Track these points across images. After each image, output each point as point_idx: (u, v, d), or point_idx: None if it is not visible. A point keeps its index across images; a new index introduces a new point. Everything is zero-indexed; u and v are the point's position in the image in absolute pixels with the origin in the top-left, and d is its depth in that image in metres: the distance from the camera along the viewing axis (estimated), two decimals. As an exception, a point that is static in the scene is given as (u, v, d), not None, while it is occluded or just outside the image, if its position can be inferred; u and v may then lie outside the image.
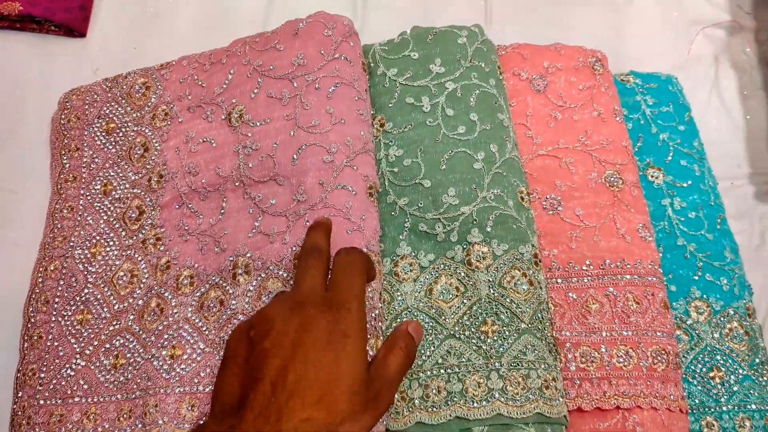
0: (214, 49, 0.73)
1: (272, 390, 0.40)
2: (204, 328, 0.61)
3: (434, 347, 0.58)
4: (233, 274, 0.61)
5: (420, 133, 0.66)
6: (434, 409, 0.55)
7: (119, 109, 0.74)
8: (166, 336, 0.62)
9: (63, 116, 0.76)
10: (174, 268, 0.65)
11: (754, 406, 0.63)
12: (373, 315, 0.57)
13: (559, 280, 0.64)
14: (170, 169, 0.69)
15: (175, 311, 0.63)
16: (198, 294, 0.63)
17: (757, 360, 0.65)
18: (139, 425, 0.58)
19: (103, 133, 0.74)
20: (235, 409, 0.40)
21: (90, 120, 0.75)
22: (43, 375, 0.64)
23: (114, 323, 0.64)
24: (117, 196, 0.71)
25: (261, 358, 0.42)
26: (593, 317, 0.62)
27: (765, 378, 0.65)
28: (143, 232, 0.68)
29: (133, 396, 0.60)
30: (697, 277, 0.68)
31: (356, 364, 0.43)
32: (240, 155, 0.65)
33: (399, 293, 0.61)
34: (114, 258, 0.68)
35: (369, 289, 0.57)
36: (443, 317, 0.59)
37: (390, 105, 0.68)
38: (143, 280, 0.66)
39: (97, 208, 0.71)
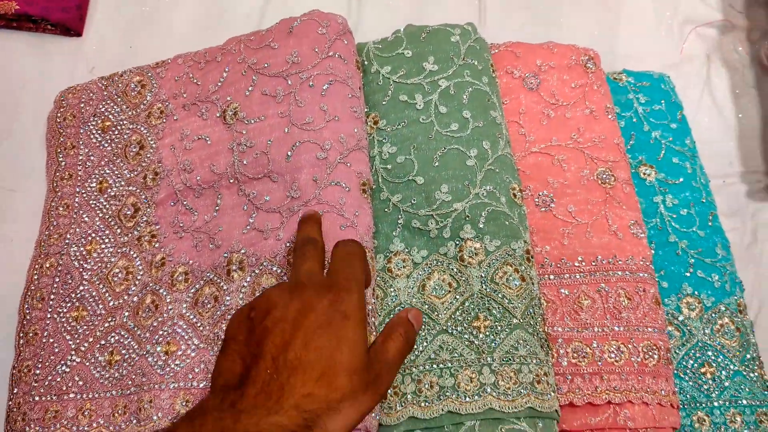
0: (209, 47, 0.74)
1: (274, 366, 0.40)
2: (198, 324, 0.61)
3: (427, 342, 0.58)
4: (227, 270, 0.62)
5: (413, 130, 0.66)
6: (426, 403, 0.56)
7: (115, 107, 0.75)
8: (160, 332, 0.62)
9: (59, 114, 0.77)
10: (169, 264, 0.65)
11: (745, 402, 0.64)
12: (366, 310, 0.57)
13: (552, 276, 0.65)
14: (165, 167, 0.69)
15: (169, 307, 0.63)
16: (193, 290, 0.63)
17: (748, 356, 0.66)
18: (134, 421, 0.59)
19: (99, 131, 0.74)
20: (236, 385, 0.41)
21: (86, 118, 0.75)
22: (38, 371, 0.64)
23: (109, 320, 0.65)
24: (112, 194, 0.71)
25: (262, 336, 0.42)
26: (585, 313, 0.63)
27: (756, 373, 0.65)
28: (138, 229, 0.68)
29: (128, 392, 0.61)
30: (688, 274, 0.69)
31: (356, 345, 0.43)
32: (234, 152, 0.66)
33: (392, 289, 0.61)
34: (109, 255, 0.68)
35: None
36: (436, 313, 0.59)
37: (384, 102, 0.69)
38: (138, 277, 0.66)
39: (92, 206, 0.71)
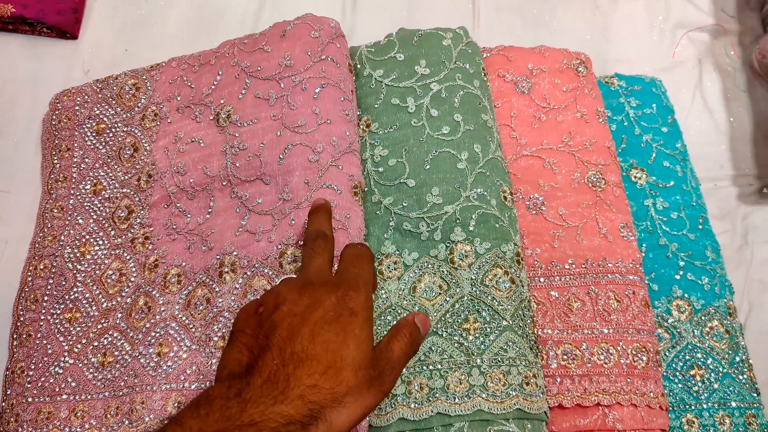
0: (204, 50, 0.74)
1: (280, 357, 0.41)
2: (191, 326, 0.62)
3: (417, 344, 0.59)
4: (220, 272, 0.62)
5: (405, 133, 0.67)
6: (416, 405, 0.56)
7: (109, 109, 0.75)
8: (153, 334, 0.62)
9: (54, 117, 0.77)
10: (162, 266, 0.66)
11: (733, 404, 0.64)
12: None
13: (542, 279, 0.65)
14: (159, 169, 0.70)
15: (162, 309, 0.63)
16: (185, 292, 0.64)
17: (738, 358, 0.67)
18: (126, 422, 0.59)
19: (94, 134, 0.75)
20: (242, 375, 0.41)
21: (80, 120, 0.76)
22: (31, 373, 0.64)
23: (102, 321, 0.65)
24: (106, 196, 0.71)
25: (270, 329, 0.43)
26: (575, 315, 0.63)
27: (745, 376, 0.66)
28: (132, 231, 0.69)
29: (120, 393, 0.61)
30: (678, 276, 0.69)
31: (362, 341, 0.44)
32: (227, 155, 0.66)
33: (383, 291, 0.62)
34: (103, 257, 0.68)
35: None
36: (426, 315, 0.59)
37: (376, 106, 0.69)
38: (131, 279, 0.66)
39: (86, 208, 0.71)
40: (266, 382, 0.40)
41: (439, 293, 0.60)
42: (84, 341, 0.65)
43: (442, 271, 0.61)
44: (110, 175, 0.72)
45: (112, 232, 0.69)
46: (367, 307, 0.47)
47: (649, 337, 0.62)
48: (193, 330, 0.61)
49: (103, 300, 0.66)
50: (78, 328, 0.65)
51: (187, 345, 0.61)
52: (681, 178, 0.75)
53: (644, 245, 0.71)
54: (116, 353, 0.63)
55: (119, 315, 0.65)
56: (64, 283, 0.68)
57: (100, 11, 0.90)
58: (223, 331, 0.59)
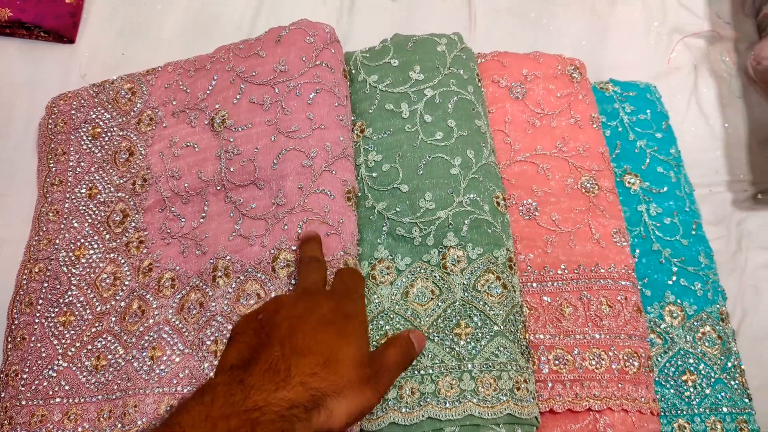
0: (199, 55, 0.75)
1: (281, 350, 0.43)
2: (184, 330, 0.62)
3: (409, 349, 0.59)
4: (213, 276, 0.62)
5: (399, 138, 0.67)
6: (407, 409, 0.56)
7: (105, 114, 0.76)
8: (146, 337, 0.63)
9: (50, 121, 0.78)
10: (156, 270, 0.66)
11: (725, 409, 0.65)
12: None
13: (534, 284, 0.65)
14: (154, 173, 0.70)
15: (156, 313, 0.64)
16: (179, 296, 0.64)
17: (730, 364, 0.67)
18: (119, 425, 0.59)
19: (90, 138, 0.75)
20: (244, 365, 0.43)
21: (77, 125, 0.76)
22: (25, 376, 0.65)
23: (96, 325, 0.65)
24: (102, 200, 0.72)
25: (271, 328, 0.45)
26: (567, 320, 0.63)
27: (737, 381, 0.66)
28: (127, 235, 0.69)
29: (113, 397, 0.61)
30: (671, 282, 0.70)
31: (358, 341, 0.47)
32: (222, 159, 0.66)
33: (376, 296, 0.62)
34: (97, 260, 0.69)
35: None
36: (418, 320, 0.60)
37: (370, 111, 0.69)
38: (126, 283, 0.67)
39: (81, 212, 0.72)
40: (268, 370, 0.41)
41: (432, 298, 0.61)
42: (78, 345, 0.65)
43: (435, 276, 0.61)
44: (105, 179, 0.73)
45: (107, 236, 0.70)
46: (362, 313, 0.50)
47: (641, 342, 0.63)
48: (186, 334, 0.62)
49: (97, 303, 0.66)
50: (72, 332, 0.66)
51: (180, 349, 0.61)
52: (675, 184, 0.75)
53: (637, 251, 0.71)
54: (110, 357, 0.64)
55: (113, 318, 0.65)
56: (58, 286, 0.68)
57: (98, 15, 0.91)
58: (216, 335, 0.60)
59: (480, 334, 0.58)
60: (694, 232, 0.73)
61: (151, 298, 0.64)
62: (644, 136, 0.77)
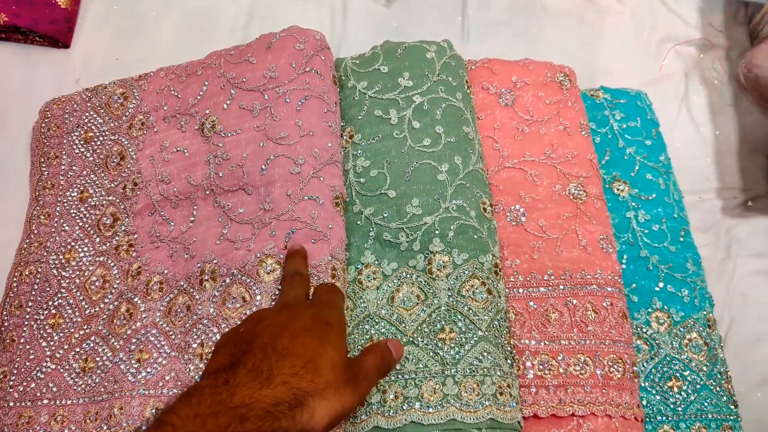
0: (191, 60, 0.75)
1: (263, 353, 0.44)
2: (171, 333, 0.62)
3: (393, 353, 0.59)
4: (200, 280, 0.63)
5: (387, 144, 0.67)
6: (391, 413, 0.56)
7: (98, 118, 0.76)
8: (134, 340, 0.63)
9: (43, 125, 0.78)
10: (145, 273, 0.66)
11: (710, 416, 0.65)
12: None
13: (521, 290, 0.66)
14: (144, 177, 0.71)
15: (143, 316, 0.64)
16: (167, 299, 0.64)
17: (716, 370, 0.67)
18: (105, 427, 0.60)
19: (82, 142, 0.76)
20: (228, 368, 0.44)
21: (69, 129, 0.77)
22: (13, 378, 0.65)
23: (85, 327, 0.66)
24: (93, 204, 0.72)
25: (251, 338, 0.47)
26: (552, 326, 0.64)
27: (723, 388, 0.66)
28: (117, 238, 0.70)
29: (100, 399, 0.62)
30: (658, 288, 0.70)
31: (337, 346, 0.48)
32: (211, 165, 0.67)
33: (362, 300, 0.62)
34: (87, 264, 0.69)
35: None
36: (403, 324, 0.60)
37: (359, 117, 0.70)
38: (115, 286, 0.67)
39: (72, 215, 0.72)
40: (251, 371, 0.43)
41: (417, 303, 0.61)
42: (66, 347, 0.65)
43: (420, 281, 0.62)
44: (97, 183, 0.73)
45: (98, 240, 0.70)
46: (341, 321, 0.52)
47: (626, 348, 0.63)
48: (173, 337, 0.62)
49: (86, 306, 0.67)
50: (61, 334, 0.66)
51: (166, 352, 0.62)
52: (663, 191, 0.75)
53: (625, 257, 0.71)
54: (97, 359, 0.64)
55: (101, 321, 0.66)
56: (48, 289, 0.69)
57: (93, 21, 0.91)
58: (202, 338, 0.60)
59: (464, 339, 0.58)
60: (682, 239, 0.73)
61: (139, 302, 0.65)
62: (634, 144, 0.78)
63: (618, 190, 0.75)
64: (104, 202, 0.72)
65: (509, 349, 0.60)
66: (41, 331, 0.67)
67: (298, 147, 0.64)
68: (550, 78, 0.76)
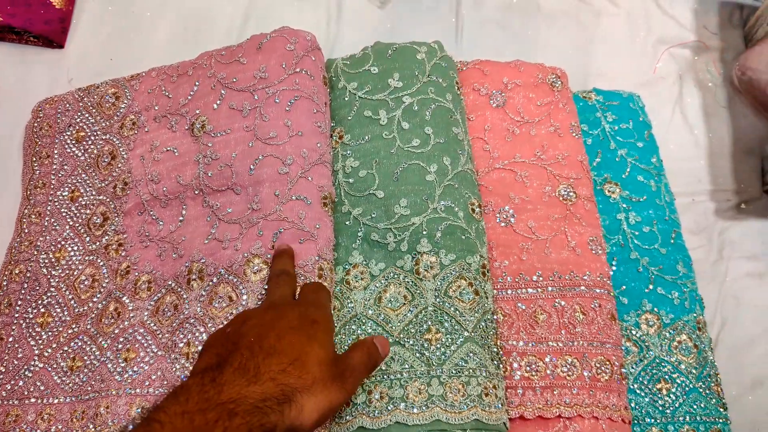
0: (183, 61, 0.75)
1: (249, 352, 0.45)
2: (158, 332, 0.62)
3: (379, 354, 0.59)
4: (188, 279, 0.63)
5: (376, 145, 0.67)
6: (376, 414, 0.56)
7: (89, 118, 0.77)
8: (121, 339, 0.63)
9: (36, 124, 0.79)
10: (133, 272, 0.66)
11: (699, 419, 0.64)
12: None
13: (509, 291, 0.66)
14: (134, 177, 0.71)
15: (131, 315, 0.64)
16: (155, 299, 0.64)
17: (705, 373, 0.67)
18: (90, 426, 0.60)
19: (73, 141, 0.76)
20: (214, 367, 0.44)
21: (61, 128, 0.77)
22: (1, 376, 0.65)
23: (73, 326, 0.66)
24: (83, 203, 0.73)
25: (238, 337, 0.47)
26: (540, 327, 0.63)
27: (712, 390, 0.66)
28: (106, 237, 0.70)
29: (87, 398, 0.62)
30: (648, 290, 0.70)
31: (324, 343, 0.48)
32: (200, 164, 0.67)
33: (349, 301, 0.62)
34: (77, 263, 0.69)
35: None
36: (390, 324, 0.60)
37: (349, 117, 0.70)
38: (103, 285, 0.67)
39: (63, 214, 0.73)
40: (237, 369, 0.43)
41: (404, 303, 0.61)
42: (54, 345, 0.66)
43: (407, 282, 0.62)
44: (88, 182, 0.73)
45: (87, 239, 0.70)
46: (328, 319, 0.52)
47: (614, 350, 0.63)
48: (160, 336, 0.62)
49: (75, 305, 0.67)
50: (49, 333, 0.66)
51: (153, 351, 0.62)
52: (654, 193, 0.75)
53: (616, 259, 0.71)
54: (85, 358, 0.64)
55: (90, 320, 0.66)
56: (38, 287, 0.69)
57: (87, 21, 0.92)
58: (188, 337, 0.60)
59: (450, 340, 0.58)
60: (672, 241, 0.73)
61: (127, 301, 0.65)
62: (625, 146, 0.78)
63: (609, 191, 0.75)
64: (95, 201, 0.72)
65: (496, 350, 0.60)
66: (30, 330, 0.67)
67: (286, 147, 0.64)
68: (541, 79, 0.76)
